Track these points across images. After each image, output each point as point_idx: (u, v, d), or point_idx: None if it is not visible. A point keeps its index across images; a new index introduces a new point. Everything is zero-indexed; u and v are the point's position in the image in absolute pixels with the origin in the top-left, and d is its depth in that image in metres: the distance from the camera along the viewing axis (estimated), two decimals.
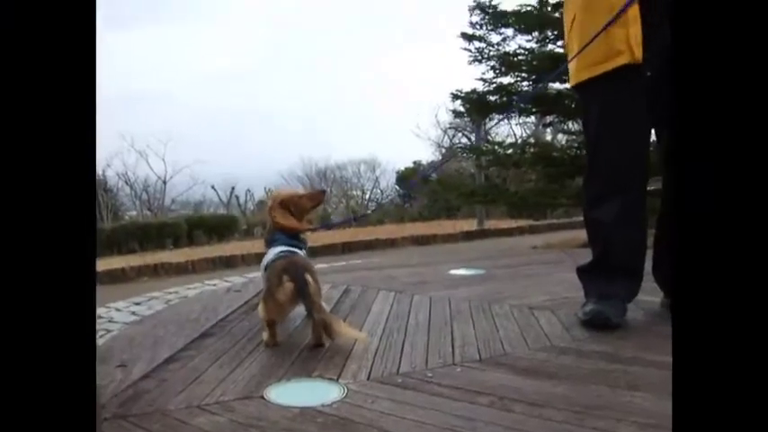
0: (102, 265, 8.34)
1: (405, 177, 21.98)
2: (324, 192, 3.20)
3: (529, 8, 8.59)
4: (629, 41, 2.40)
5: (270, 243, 2.73)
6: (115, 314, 3.88)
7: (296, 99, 33.61)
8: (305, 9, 33.88)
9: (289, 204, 2.81)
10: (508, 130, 18.93)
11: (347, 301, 3.39)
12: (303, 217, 2.86)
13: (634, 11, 2.40)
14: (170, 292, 4.56)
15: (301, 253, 2.68)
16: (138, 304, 4.16)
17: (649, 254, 2.79)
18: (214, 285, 4.76)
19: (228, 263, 8.96)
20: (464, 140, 20.61)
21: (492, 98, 8.66)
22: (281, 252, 2.60)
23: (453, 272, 4.29)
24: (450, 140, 22.09)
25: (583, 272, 2.83)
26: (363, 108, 34.00)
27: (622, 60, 2.43)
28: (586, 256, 2.80)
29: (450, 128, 20.47)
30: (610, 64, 2.46)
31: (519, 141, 15.72)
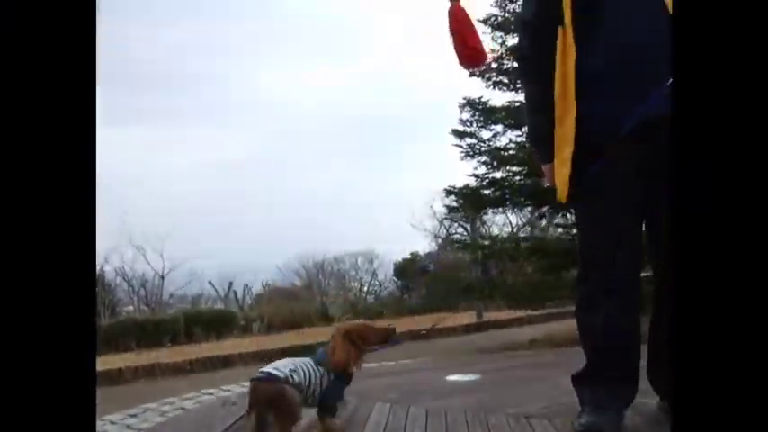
0: (99, 364, 8.26)
1: (403, 269, 21.96)
2: (393, 330, 2.93)
3: (518, 104, 8.85)
4: (560, 181, 2.53)
5: (313, 354, 2.69)
6: (110, 428, 3.85)
7: (292, 193, 33.99)
8: (303, 106, 34.73)
9: (353, 334, 2.70)
10: (504, 218, 19.09)
11: (342, 415, 3.36)
12: (363, 350, 2.75)
13: (566, 153, 2.50)
14: (166, 403, 4.52)
15: (307, 375, 2.56)
16: (133, 416, 4.12)
17: (645, 349, 2.79)
18: (211, 394, 4.72)
19: (226, 362, 8.87)
20: (460, 230, 20.77)
21: (485, 192, 8.82)
22: (263, 373, 2.51)
23: (450, 378, 4.27)
24: (447, 231, 22.24)
25: (577, 379, 2.82)
26: (359, 200, 34.36)
27: (559, 196, 2.57)
28: (582, 357, 2.80)
29: (445, 218, 20.67)
30: (558, 196, 2.59)
31: (514, 230, 15.84)
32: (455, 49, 1.78)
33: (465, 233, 19.49)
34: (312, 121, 33.69)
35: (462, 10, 1.65)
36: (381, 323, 3.01)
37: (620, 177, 2.53)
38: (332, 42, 35.16)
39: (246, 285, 25.05)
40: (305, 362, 2.62)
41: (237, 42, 36.12)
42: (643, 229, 2.76)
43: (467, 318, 12.71)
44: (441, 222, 21.95)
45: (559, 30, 2.49)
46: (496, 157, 8.75)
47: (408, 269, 21.28)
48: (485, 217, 15.20)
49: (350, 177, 34.02)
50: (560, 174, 2.52)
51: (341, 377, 2.67)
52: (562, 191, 2.53)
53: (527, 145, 8.83)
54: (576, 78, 2.45)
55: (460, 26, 1.69)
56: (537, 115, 2.69)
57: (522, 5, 2.70)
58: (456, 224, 19.57)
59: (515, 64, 12.49)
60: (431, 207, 21.52)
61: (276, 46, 35.83)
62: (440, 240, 22.56)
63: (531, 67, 2.64)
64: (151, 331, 15.08)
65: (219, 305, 23.28)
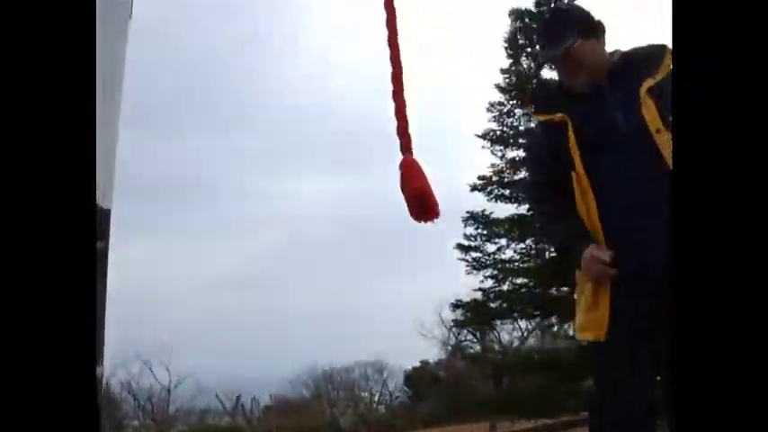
0: None
1: (413, 378, 21.62)
2: None
3: (519, 215, 9.04)
4: (597, 321, 2.52)
5: None
6: None
7: (300, 304, 33.95)
8: (309, 217, 35.23)
9: None
10: (514, 324, 19.01)
11: None
12: None
13: (605, 294, 2.50)
14: None
15: None
16: None
17: None
18: None
19: None
20: (470, 336, 20.60)
21: (492, 305, 8.87)
22: None
23: None
24: (456, 338, 22.05)
25: None
26: (367, 309, 34.26)
27: (589, 336, 2.55)
28: None
29: (454, 326, 20.59)
30: (586, 335, 2.56)
31: (524, 334, 15.73)
32: (407, 203, 1.77)
33: (475, 339, 19.34)
34: (318, 233, 34.08)
35: (415, 164, 1.67)
36: None
37: (637, 304, 2.51)
38: (336, 155, 36.09)
39: (254, 398, 24.68)
40: None
41: (244, 155, 37.16)
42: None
43: (480, 430, 12.46)
44: (450, 330, 21.82)
45: (573, 174, 2.55)
46: (502, 269, 8.86)
47: (419, 378, 20.95)
48: (494, 323, 15.16)
49: (357, 287, 34.05)
50: (599, 316, 2.48)
51: None
52: (600, 333, 2.48)
53: (531, 255, 8.97)
54: (600, 218, 2.47)
55: (412, 181, 1.69)
56: (563, 226, 2.63)
57: (532, 156, 2.78)
58: (465, 331, 19.48)
59: (516, 177, 12.80)
60: (439, 315, 21.41)
61: (283, 159, 36.75)
62: (449, 348, 22.34)
63: (551, 210, 2.66)
64: None
65: (227, 419, 22.85)
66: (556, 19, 2.58)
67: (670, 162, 2.29)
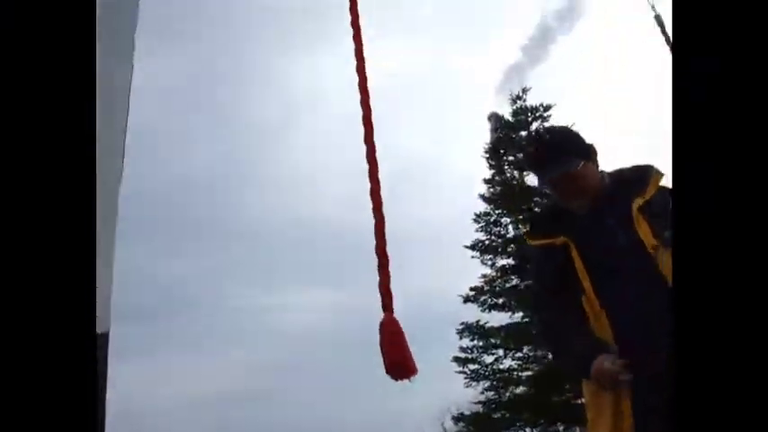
0: None
1: None
2: None
3: (514, 323, 9.04)
4: None
5: None
6: None
7: (299, 417, 33.10)
8: (303, 328, 34.95)
9: None
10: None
11: None
12: None
13: (627, 406, 2.43)
14: None
15: None
16: None
17: None
18: None
19: None
20: None
21: (495, 416, 8.72)
22: None
23: None
24: None
25: None
26: (366, 422, 33.45)
27: None
28: None
29: None
30: None
31: None
32: (384, 364, 1.70)
33: None
34: (317, 344, 33.66)
35: (395, 322, 1.66)
36: None
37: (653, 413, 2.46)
38: (333, 267, 36.14)
39: None
40: None
41: (239, 271, 37.18)
42: None
43: None
44: None
45: (583, 298, 2.55)
46: (501, 379, 8.78)
47: None
48: None
49: (355, 399, 33.33)
50: (624, 427, 2.40)
51: None
52: None
53: (530, 363, 8.91)
54: (615, 335, 2.46)
55: (391, 339, 1.68)
56: (578, 341, 2.55)
57: (538, 286, 2.79)
58: None
59: (507, 285, 12.80)
60: (441, 424, 20.91)
61: (279, 272, 36.79)
62: None
63: (560, 336, 2.64)
64: None
65: None
66: (556, 142, 2.58)
67: (668, 278, 2.35)
